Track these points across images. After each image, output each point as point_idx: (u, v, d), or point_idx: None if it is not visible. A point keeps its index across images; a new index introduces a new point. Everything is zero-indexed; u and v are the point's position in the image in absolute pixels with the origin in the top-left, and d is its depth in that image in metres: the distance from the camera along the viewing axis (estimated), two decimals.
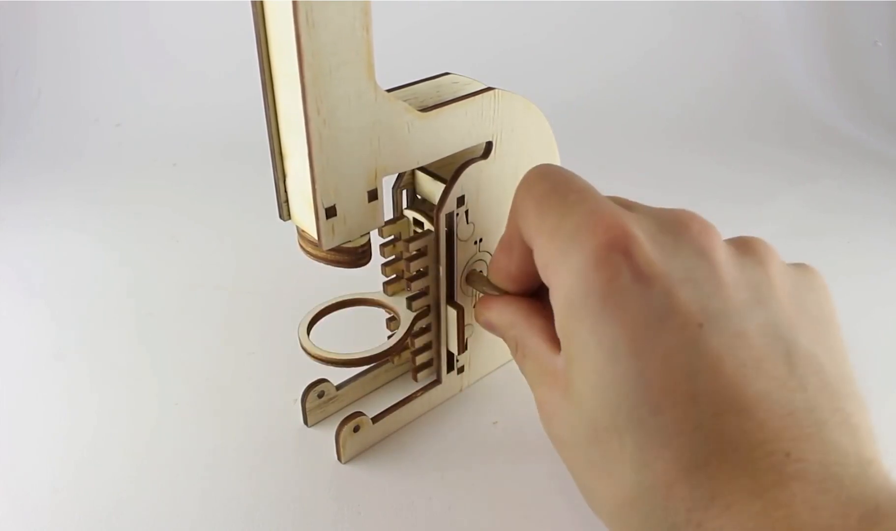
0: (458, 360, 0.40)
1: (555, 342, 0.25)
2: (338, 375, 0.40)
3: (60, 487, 0.36)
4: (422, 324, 0.38)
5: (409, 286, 0.36)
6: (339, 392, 0.40)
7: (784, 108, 0.89)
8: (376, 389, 0.42)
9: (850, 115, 0.88)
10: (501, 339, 0.30)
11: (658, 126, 0.85)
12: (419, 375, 0.40)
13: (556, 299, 0.23)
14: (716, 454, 0.19)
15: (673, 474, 0.19)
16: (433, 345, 0.39)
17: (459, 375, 0.41)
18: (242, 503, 0.35)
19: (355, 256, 0.32)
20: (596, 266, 0.21)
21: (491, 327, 0.30)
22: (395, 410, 0.38)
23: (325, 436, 0.38)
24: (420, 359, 0.39)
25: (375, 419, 0.37)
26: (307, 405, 0.39)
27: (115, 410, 0.41)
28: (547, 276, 0.24)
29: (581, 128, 0.81)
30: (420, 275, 0.36)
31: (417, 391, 0.39)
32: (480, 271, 0.38)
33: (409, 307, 0.37)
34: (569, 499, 0.35)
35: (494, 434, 0.39)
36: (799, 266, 0.25)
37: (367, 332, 0.40)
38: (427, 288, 0.37)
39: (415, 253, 0.35)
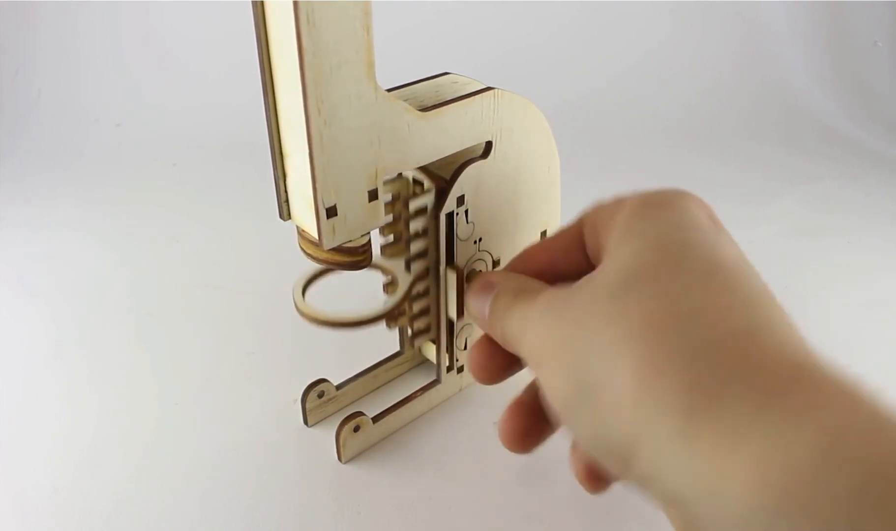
0: (457, 359, 0.40)
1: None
2: (338, 375, 0.40)
3: (60, 487, 0.36)
4: (420, 288, 0.37)
5: (407, 247, 0.35)
6: (339, 392, 0.40)
7: (784, 108, 0.89)
8: (376, 389, 0.42)
9: (850, 115, 0.88)
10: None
11: (658, 126, 0.85)
12: (416, 341, 0.39)
13: (611, 228, 0.24)
14: (724, 332, 0.20)
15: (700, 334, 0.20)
16: (431, 310, 0.38)
17: (459, 375, 0.41)
18: (242, 503, 0.35)
19: (355, 258, 0.32)
20: (651, 200, 0.24)
21: (487, 285, 0.28)
22: (395, 410, 0.38)
23: (325, 436, 0.38)
24: (418, 324, 0.38)
25: (375, 419, 0.37)
26: (307, 405, 0.39)
27: (115, 410, 0.41)
28: (603, 221, 0.25)
29: (581, 128, 0.81)
30: (419, 236, 0.35)
31: (417, 391, 0.39)
32: (480, 271, 0.38)
33: (408, 269, 0.36)
34: (569, 499, 0.35)
35: (494, 434, 0.39)
36: None
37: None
38: (426, 249, 0.36)
39: (414, 212, 0.34)
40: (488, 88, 0.33)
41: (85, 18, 0.87)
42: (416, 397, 0.39)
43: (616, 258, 0.23)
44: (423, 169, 0.36)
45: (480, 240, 0.37)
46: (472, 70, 0.39)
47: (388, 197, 0.35)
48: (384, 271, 0.37)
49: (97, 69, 0.86)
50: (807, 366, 0.18)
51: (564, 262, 0.27)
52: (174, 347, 0.46)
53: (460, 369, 0.41)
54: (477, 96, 0.33)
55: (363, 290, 0.39)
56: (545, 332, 0.23)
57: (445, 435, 0.39)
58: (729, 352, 0.19)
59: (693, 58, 0.94)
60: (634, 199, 0.24)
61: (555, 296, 0.24)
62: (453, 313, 0.38)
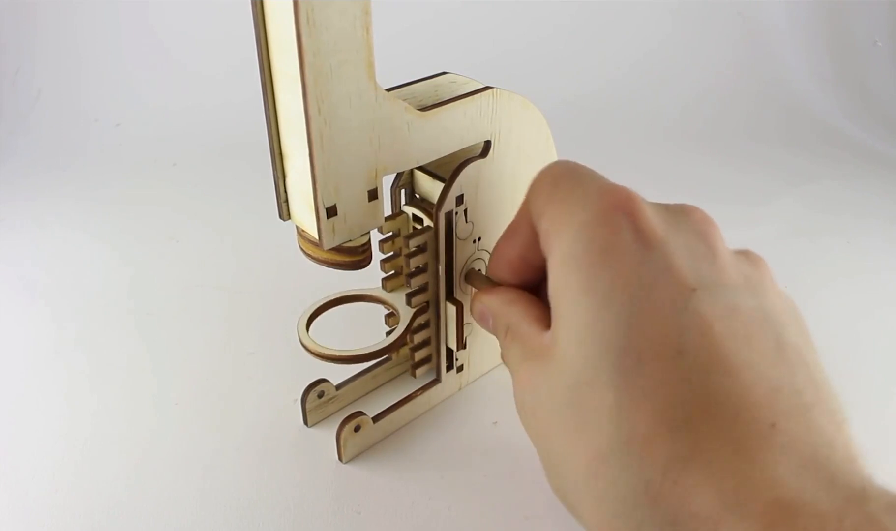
0: (457, 359, 0.40)
1: (544, 324, 0.25)
2: (337, 374, 0.40)
3: (60, 487, 0.36)
4: (421, 320, 0.38)
5: (408, 282, 0.36)
6: (339, 392, 0.40)
7: (784, 108, 0.89)
8: (375, 389, 0.42)
9: (851, 115, 0.88)
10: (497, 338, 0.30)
11: (658, 126, 0.85)
12: (418, 371, 0.40)
13: (554, 257, 0.23)
14: (699, 411, 0.18)
15: (653, 427, 0.19)
16: (432, 342, 0.39)
17: (458, 374, 0.41)
18: (242, 503, 0.35)
19: (355, 258, 0.32)
20: (598, 223, 0.22)
21: (483, 315, 0.30)
22: (395, 410, 0.38)
23: (325, 436, 0.38)
24: (419, 355, 0.39)
25: (376, 419, 0.37)
26: (307, 405, 0.39)
27: (114, 410, 0.41)
28: (549, 243, 0.24)
29: (581, 128, 0.81)
30: (419, 271, 0.36)
31: (417, 390, 0.39)
32: (479, 270, 0.38)
33: (409, 303, 0.37)
34: None
35: (494, 434, 0.39)
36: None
37: (367, 329, 0.40)
38: (426, 284, 0.37)
39: (414, 249, 0.35)
40: (487, 88, 0.33)
41: (85, 18, 0.87)
42: (415, 397, 0.39)
43: (569, 332, 0.22)
44: (423, 168, 0.36)
45: (479, 239, 0.37)
46: (472, 70, 0.39)
47: (389, 233, 0.37)
48: (385, 305, 0.38)
49: (97, 69, 0.86)
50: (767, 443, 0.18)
51: (532, 256, 0.27)
52: (174, 347, 0.46)
53: (460, 369, 0.41)
54: (476, 95, 0.33)
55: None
56: (521, 397, 0.25)
57: (445, 435, 0.39)
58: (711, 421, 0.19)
59: (693, 58, 0.94)
60: (576, 225, 0.22)
61: (531, 364, 0.25)
62: (453, 344, 0.39)
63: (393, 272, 0.38)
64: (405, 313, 0.37)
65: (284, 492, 0.35)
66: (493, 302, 0.29)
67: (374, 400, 0.41)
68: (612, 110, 0.87)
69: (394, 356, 0.42)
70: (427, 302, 0.37)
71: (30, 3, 0.86)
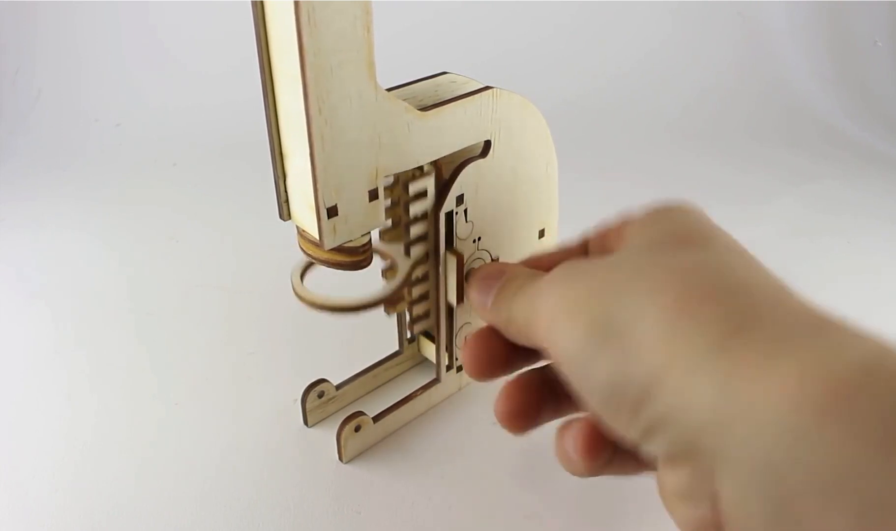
0: (457, 358, 0.40)
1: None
2: (337, 374, 0.40)
3: (60, 487, 0.36)
4: (419, 273, 0.36)
5: (406, 232, 0.35)
6: (339, 392, 0.40)
7: (784, 108, 0.89)
8: (375, 389, 0.42)
9: (851, 115, 0.88)
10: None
11: (658, 126, 0.85)
12: (416, 327, 0.38)
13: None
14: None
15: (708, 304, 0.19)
16: (431, 295, 0.38)
17: (458, 373, 0.41)
18: (242, 503, 0.35)
19: (356, 258, 0.32)
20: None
21: (494, 275, 0.27)
22: (395, 409, 0.38)
23: (325, 436, 0.38)
24: (417, 310, 0.38)
25: (376, 418, 0.37)
26: (307, 405, 0.39)
27: (114, 410, 0.41)
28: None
29: (581, 128, 0.81)
30: (418, 219, 0.35)
31: (417, 390, 0.39)
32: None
33: (407, 253, 0.35)
34: (569, 499, 0.35)
35: (494, 434, 0.39)
36: None
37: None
38: (425, 233, 0.35)
39: (413, 195, 0.34)
40: (487, 87, 0.33)
41: (85, 18, 0.87)
42: (416, 396, 0.39)
43: (637, 239, 0.23)
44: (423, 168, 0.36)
45: (479, 239, 0.37)
46: (472, 70, 0.39)
47: (389, 180, 0.34)
48: (383, 256, 0.36)
49: (97, 69, 0.86)
50: (836, 319, 0.19)
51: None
52: (174, 347, 0.46)
53: (460, 368, 0.41)
54: (476, 95, 0.33)
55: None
56: (560, 293, 0.23)
57: (445, 434, 0.39)
58: (764, 294, 0.19)
59: (693, 58, 0.94)
60: (642, 210, 0.25)
61: (571, 265, 0.24)
62: (453, 298, 0.37)
63: (391, 222, 0.36)
64: (403, 264, 0.35)
65: (284, 492, 0.35)
66: (509, 264, 0.28)
67: (374, 400, 0.41)
68: (612, 110, 0.87)
69: (395, 357, 0.42)
70: (426, 252, 0.36)
71: (30, 3, 0.86)
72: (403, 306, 0.38)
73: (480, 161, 0.34)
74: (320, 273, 0.35)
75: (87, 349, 0.46)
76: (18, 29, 0.86)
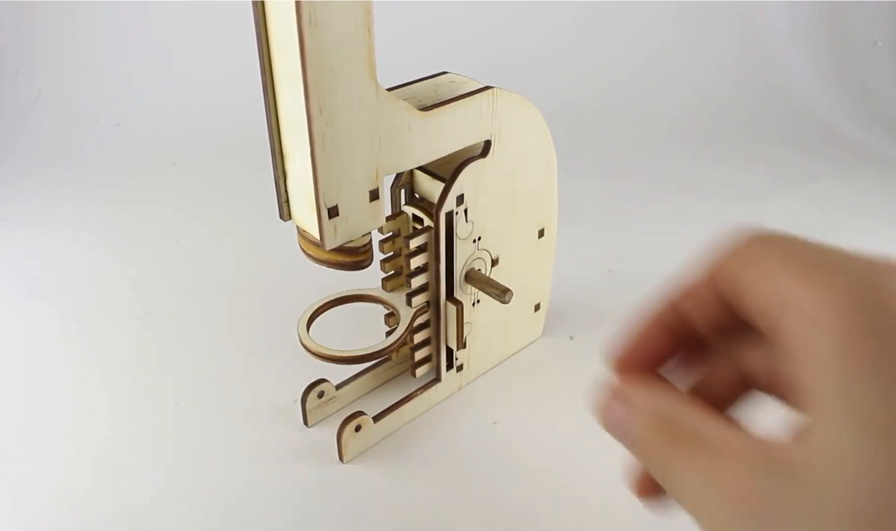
0: (456, 358, 0.40)
1: (733, 423, 0.19)
2: (337, 374, 0.40)
3: (60, 487, 0.36)
4: (421, 320, 0.38)
5: (408, 282, 0.36)
6: (339, 392, 0.40)
7: (785, 108, 0.89)
8: (375, 389, 0.42)
9: (851, 115, 0.88)
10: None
11: (659, 126, 0.85)
12: (418, 371, 0.40)
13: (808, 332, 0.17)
14: None
15: None
16: (432, 341, 0.39)
17: (458, 373, 0.41)
18: (243, 503, 0.35)
19: (356, 258, 0.32)
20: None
21: (628, 421, 0.21)
22: (395, 410, 0.38)
23: (325, 436, 0.38)
24: (419, 354, 0.39)
25: (376, 418, 0.37)
26: (307, 405, 0.39)
27: (115, 410, 0.41)
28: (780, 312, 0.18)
29: (582, 128, 0.81)
30: (419, 271, 0.36)
31: (417, 390, 0.39)
32: (479, 269, 0.38)
33: (409, 303, 0.37)
34: (569, 499, 0.35)
35: (494, 434, 0.39)
36: None
37: (367, 329, 0.40)
38: (426, 284, 0.37)
39: (414, 249, 0.35)
40: (487, 87, 0.33)
41: (85, 18, 0.87)
42: (415, 396, 0.39)
43: (843, 440, 0.16)
44: (423, 168, 0.36)
45: (479, 239, 0.37)
46: (472, 70, 0.39)
47: (389, 233, 0.37)
48: (385, 305, 0.38)
49: (97, 69, 0.86)
50: None
51: (697, 318, 0.21)
52: (174, 347, 0.46)
53: (460, 368, 0.41)
54: (476, 95, 0.33)
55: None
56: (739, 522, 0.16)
57: (445, 435, 0.39)
58: None
59: (694, 58, 0.94)
60: (836, 287, 0.17)
61: (755, 467, 0.17)
62: (453, 344, 0.39)
63: (393, 272, 0.38)
64: (405, 313, 0.37)
65: (284, 492, 0.35)
66: (649, 401, 0.20)
67: (374, 400, 0.41)
68: (613, 110, 0.87)
69: (393, 356, 0.42)
70: (427, 302, 0.37)
71: (30, 3, 0.86)
72: (406, 352, 0.40)
73: (480, 161, 0.34)
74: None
75: (87, 349, 0.46)
76: (18, 29, 0.86)
